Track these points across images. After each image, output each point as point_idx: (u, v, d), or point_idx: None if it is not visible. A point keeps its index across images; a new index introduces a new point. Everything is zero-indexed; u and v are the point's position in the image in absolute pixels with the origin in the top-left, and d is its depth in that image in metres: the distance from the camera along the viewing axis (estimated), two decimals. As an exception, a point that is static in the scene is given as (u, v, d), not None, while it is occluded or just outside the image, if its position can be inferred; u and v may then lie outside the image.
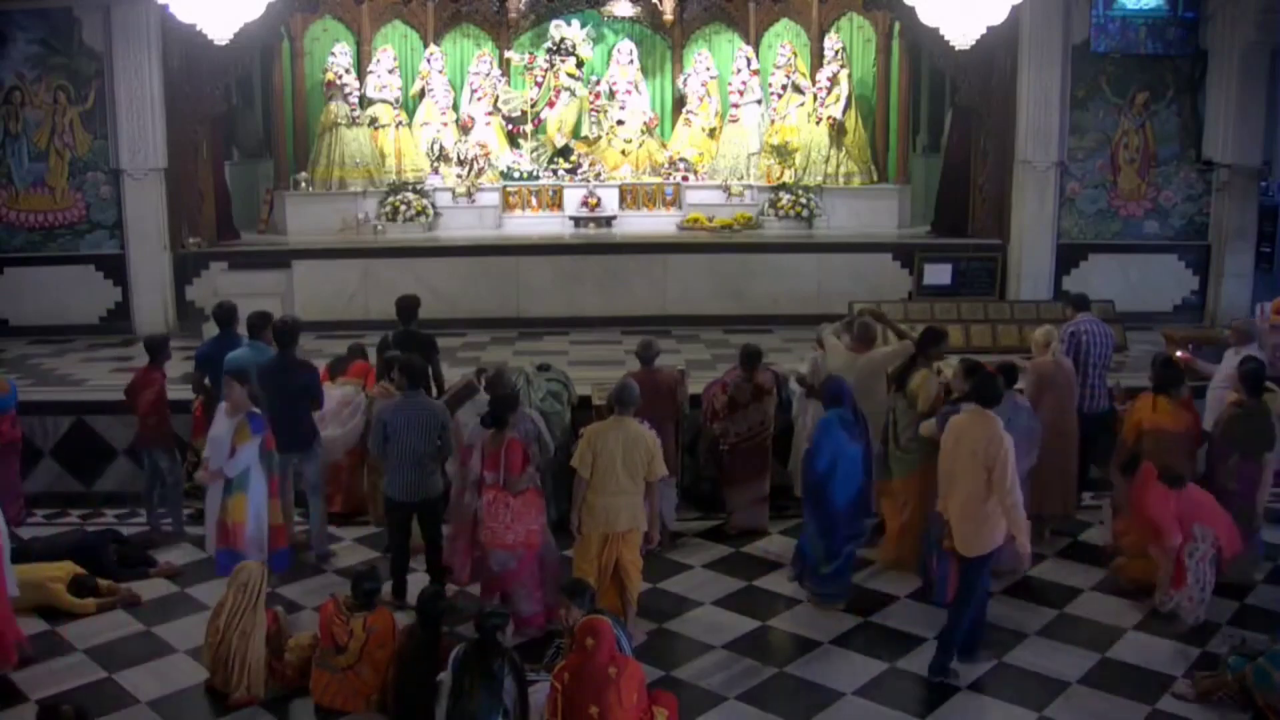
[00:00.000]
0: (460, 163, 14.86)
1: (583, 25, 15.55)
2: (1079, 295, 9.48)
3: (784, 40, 15.58)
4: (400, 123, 15.13)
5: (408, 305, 8.88)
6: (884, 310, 9.44)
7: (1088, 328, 8.75)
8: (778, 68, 15.25)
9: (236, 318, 8.60)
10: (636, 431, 6.65)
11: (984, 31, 9.52)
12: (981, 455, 6.16)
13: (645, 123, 15.53)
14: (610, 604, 6.56)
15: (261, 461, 7.37)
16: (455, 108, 15.43)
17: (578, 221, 14.55)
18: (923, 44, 14.16)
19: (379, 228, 14.32)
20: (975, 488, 6.19)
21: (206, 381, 8.47)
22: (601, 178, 14.96)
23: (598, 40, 15.99)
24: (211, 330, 9.04)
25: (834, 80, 14.91)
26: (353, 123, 14.82)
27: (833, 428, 7.22)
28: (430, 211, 14.56)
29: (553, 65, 15.31)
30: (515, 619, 6.77)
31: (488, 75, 15.42)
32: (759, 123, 15.26)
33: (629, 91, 15.46)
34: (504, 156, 15.25)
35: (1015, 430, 6.92)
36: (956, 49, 9.96)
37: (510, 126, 15.66)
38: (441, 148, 14.96)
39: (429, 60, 15.32)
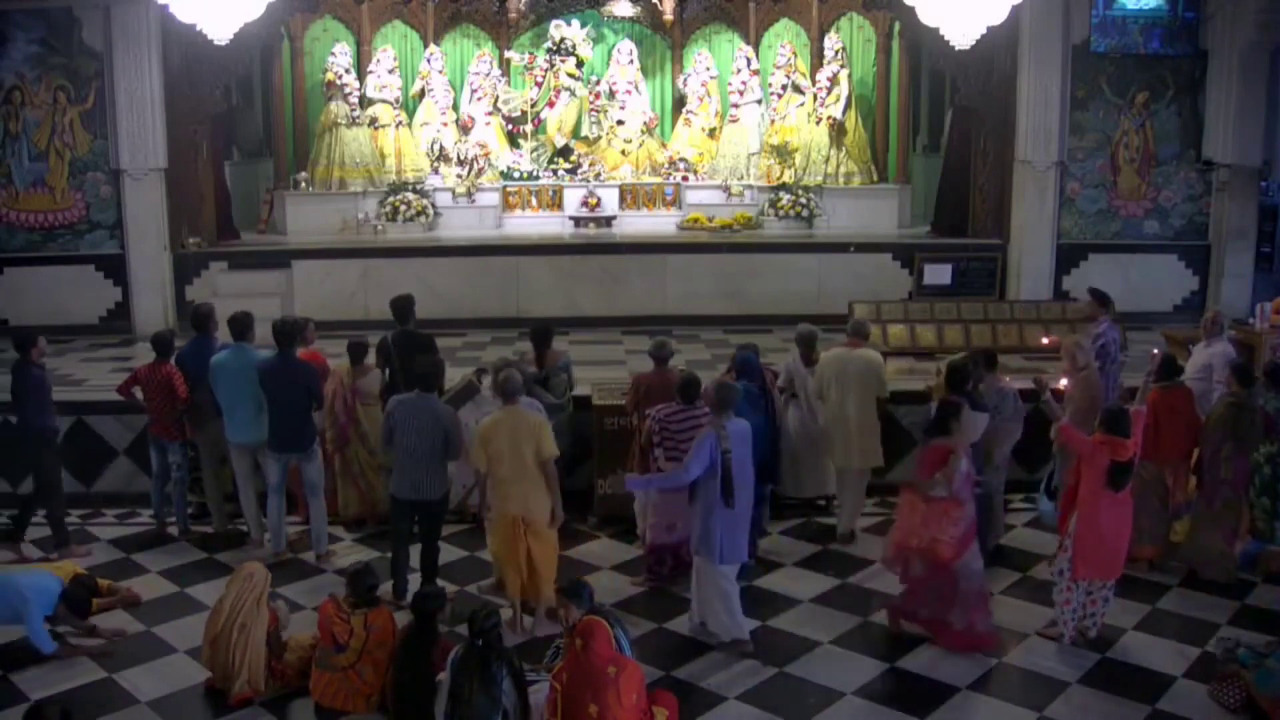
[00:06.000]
0: (460, 163, 14.85)
1: (583, 25, 15.55)
2: (1103, 293, 9.23)
3: (784, 40, 15.58)
4: (400, 123, 15.13)
5: (403, 305, 8.84)
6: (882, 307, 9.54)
7: (1114, 335, 8.76)
8: (778, 68, 15.24)
9: (213, 321, 8.64)
10: (521, 417, 6.99)
11: (984, 31, 9.52)
12: None
13: (645, 123, 15.53)
14: (531, 595, 7.02)
15: None
16: (455, 108, 15.43)
17: (578, 221, 14.55)
18: (923, 44, 14.18)
19: (379, 228, 14.31)
20: None
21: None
22: (601, 178, 14.96)
23: (598, 40, 15.99)
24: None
25: (834, 80, 14.90)
26: (353, 123, 14.81)
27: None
28: (430, 211, 14.56)
29: (553, 65, 15.31)
30: (943, 633, 6.69)
31: (488, 75, 15.43)
32: (759, 123, 15.26)
33: (629, 91, 15.46)
34: (504, 156, 15.25)
35: (1005, 416, 7.60)
36: (956, 49, 9.96)
37: (510, 126, 15.67)
38: (441, 148, 14.96)
39: (429, 60, 15.33)
